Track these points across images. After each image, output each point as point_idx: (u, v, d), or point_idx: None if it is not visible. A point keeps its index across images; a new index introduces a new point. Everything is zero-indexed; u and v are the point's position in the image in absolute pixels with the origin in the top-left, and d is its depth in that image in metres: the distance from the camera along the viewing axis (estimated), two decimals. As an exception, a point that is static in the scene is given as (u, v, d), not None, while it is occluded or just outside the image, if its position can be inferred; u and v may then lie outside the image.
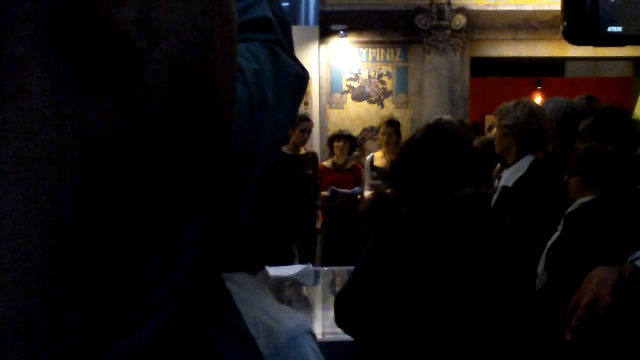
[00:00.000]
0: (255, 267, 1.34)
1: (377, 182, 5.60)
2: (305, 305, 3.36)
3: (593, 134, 3.00)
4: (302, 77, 0.87)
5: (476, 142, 4.26)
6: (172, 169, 0.54)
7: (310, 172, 5.51)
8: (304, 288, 3.61)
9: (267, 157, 0.76)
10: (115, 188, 0.50)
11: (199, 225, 0.60)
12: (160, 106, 0.52)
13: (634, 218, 2.52)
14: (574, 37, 1.61)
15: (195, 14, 0.53)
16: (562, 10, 1.57)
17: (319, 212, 5.70)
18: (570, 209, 2.63)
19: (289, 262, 3.83)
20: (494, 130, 3.31)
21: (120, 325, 0.53)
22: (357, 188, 5.70)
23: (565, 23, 1.57)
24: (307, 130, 5.56)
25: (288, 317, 1.24)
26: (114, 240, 0.52)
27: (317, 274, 3.85)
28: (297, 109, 0.88)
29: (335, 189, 5.54)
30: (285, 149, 5.32)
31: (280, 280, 3.47)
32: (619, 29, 1.58)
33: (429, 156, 1.94)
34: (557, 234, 2.62)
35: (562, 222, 2.63)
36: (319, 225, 5.69)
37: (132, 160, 0.51)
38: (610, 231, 2.48)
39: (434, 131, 2.00)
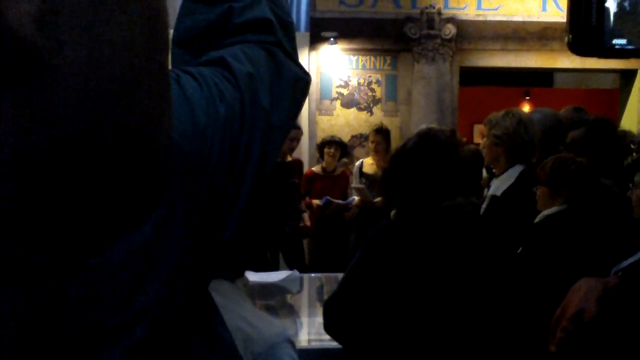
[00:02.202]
0: (234, 275, 1.33)
1: (361, 185, 5.57)
2: (291, 312, 3.34)
3: (583, 145, 3.02)
4: (302, 80, 0.84)
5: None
6: (89, 176, 0.50)
7: (296, 180, 5.46)
8: (290, 295, 3.59)
9: (260, 164, 0.73)
10: (23, 196, 0.47)
11: (146, 229, 0.56)
12: (70, 110, 0.48)
13: (599, 230, 2.54)
14: (578, 49, 1.63)
15: (111, 14, 0.50)
16: (567, 22, 1.59)
17: (306, 216, 5.64)
18: (535, 221, 2.64)
19: (265, 269, 3.80)
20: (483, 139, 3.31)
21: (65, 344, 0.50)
22: (350, 199, 5.68)
23: (570, 35, 1.59)
24: (296, 139, 5.48)
25: (267, 325, 1.23)
26: (27, 248, 0.48)
27: (303, 281, 3.83)
28: (296, 113, 0.86)
29: (330, 199, 5.49)
30: None
31: (266, 287, 3.44)
32: (623, 41, 1.60)
33: (421, 164, 1.93)
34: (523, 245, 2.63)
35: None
36: (307, 222, 5.61)
37: (40, 172, 0.47)
38: (574, 243, 2.49)
39: (426, 139, 1.99)
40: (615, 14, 1.59)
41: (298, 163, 5.65)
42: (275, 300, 3.44)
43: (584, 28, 1.63)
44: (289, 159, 5.50)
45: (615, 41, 1.62)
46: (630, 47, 1.61)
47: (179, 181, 0.62)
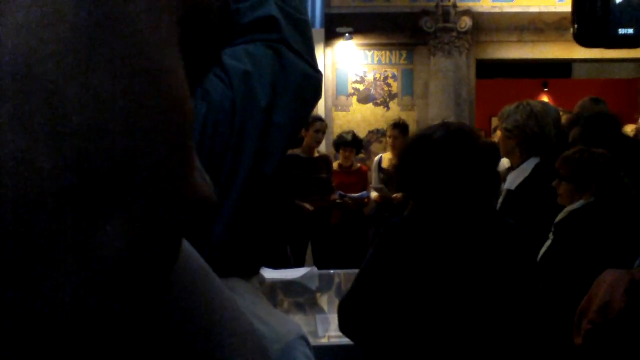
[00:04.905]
0: (249, 272, 1.34)
1: (381, 185, 5.59)
2: (310, 308, 3.36)
3: (582, 142, 2.96)
4: (309, 76, 0.82)
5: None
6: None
7: (324, 175, 5.47)
8: (309, 291, 3.60)
9: (257, 163, 0.72)
10: None
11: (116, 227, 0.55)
12: (13, 93, 0.42)
13: (626, 223, 2.51)
14: (584, 40, 1.60)
15: None
16: (572, 12, 1.56)
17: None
18: (559, 217, 2.62)
19: (285, 265, 3.82)
20: (498, 132, 3.30)
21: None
22: (364, 192, 5.70)
23: (575, 25, 1.57)
24: (321, 131, 5.46)
25: (280, 322, 1.24)
26: None
27: (322, 277, 3.84)
28: (305, 110, 0.84)
29: (342, 193, 5.52)
30: (298, 151, 5.30)
31: (285, 284, 3.47)
32: (629, 30, 1.57)
33: (446, 158, 1.90)
34: (548, 242, 2.61)
35: (552, 230, 2.62)
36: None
37: None
38: (602, 237, 2.47)
39: (455, 133, 1.96)
40: (621, 3, 1.57)
41: (325, 158, 5.63)
42: (295, 297, 3.46)
43: (589, 17, 1.61)
44: (316, 154, 5.51)
45: (621, 30, 1.59)
46: (636, 35, 1.58)
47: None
